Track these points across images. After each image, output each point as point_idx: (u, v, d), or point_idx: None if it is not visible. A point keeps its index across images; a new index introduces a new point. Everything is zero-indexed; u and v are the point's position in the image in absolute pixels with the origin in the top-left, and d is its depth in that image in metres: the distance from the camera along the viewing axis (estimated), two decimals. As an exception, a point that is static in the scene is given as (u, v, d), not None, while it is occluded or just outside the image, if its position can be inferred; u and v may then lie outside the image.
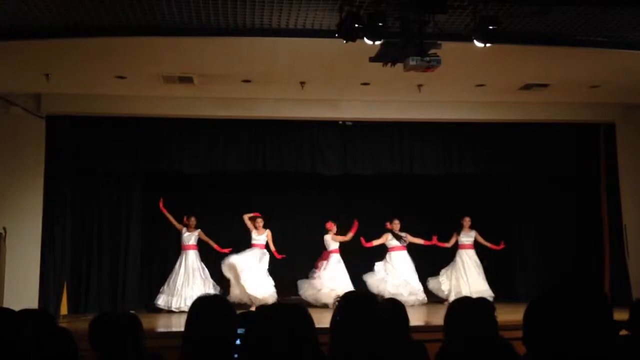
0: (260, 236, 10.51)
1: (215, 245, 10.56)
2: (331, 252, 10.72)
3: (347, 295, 2.55)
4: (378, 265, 10.84)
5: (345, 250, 10.87)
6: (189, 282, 10.18)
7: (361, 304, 2.45)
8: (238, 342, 2.86)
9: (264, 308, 2.25)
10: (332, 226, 10.78)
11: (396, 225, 10.92)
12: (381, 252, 11.04)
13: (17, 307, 2.88)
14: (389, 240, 10.92)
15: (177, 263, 10.42)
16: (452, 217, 11.22)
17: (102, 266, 10.63)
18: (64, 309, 9.96)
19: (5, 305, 8.55)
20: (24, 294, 9.11)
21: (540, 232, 11.25)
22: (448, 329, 2.85)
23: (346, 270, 10.62)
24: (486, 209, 11.58)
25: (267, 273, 10.33)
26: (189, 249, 10.50)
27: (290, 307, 2.23)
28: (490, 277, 10.88)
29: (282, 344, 2.05)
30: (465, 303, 3.02)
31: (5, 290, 8.99)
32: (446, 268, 11.04)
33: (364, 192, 11.87)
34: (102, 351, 2.99)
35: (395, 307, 3.47)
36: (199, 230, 10.60)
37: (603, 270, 10.88)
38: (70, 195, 10.27)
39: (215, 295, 2.75)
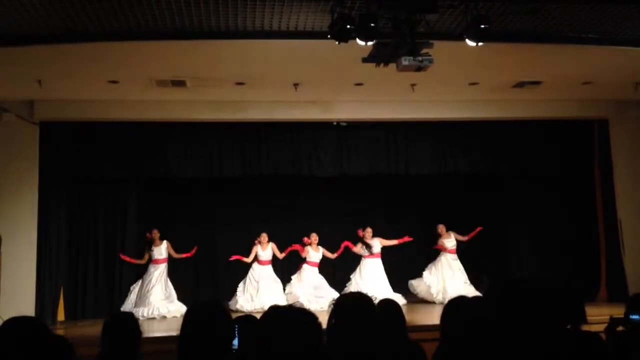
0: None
1: (184, 255, 10.57)
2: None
3: (342, 297, 2.55)
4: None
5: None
6: (157, 293, 10.24)
7: (356, 306, 2.45)
8: (235, 343, 2.87)
9: (278, 308, 2.21)
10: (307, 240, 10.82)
11: (368, 233, 10.85)
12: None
13: (13, 315, 2.86)
14: (360, 248, 10.89)
15: (148, 276, 10.37)
16: (448, 217, 11.24)
17: (99, 272, 10.63)
18: (61, 315, 9.95)
19: (2, 312, 8.53)
20: (20, 301, 9.10)
21: (536, 231, 11.26)
22: (444, 329, 2.85)
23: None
24: (481, 208, 11.59)
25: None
26: (160, 262, 10.47)
27: (303, 312, 2.19)
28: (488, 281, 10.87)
29: (288, 346, 2.03)
30: (461, 302, 3.02)
31: (1, 298, 8.97)
32: (430, 269, 10.99)
33: (360, 193, 11.86)
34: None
35: (391, 308, 3.47)
36: (166, 241, 10.58)
37: (599, 266, 10.91)
38: (65, 201, 10.25)
39: (210, 301, 2.75)
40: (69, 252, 10.35)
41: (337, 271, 11.28)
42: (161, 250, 10.51)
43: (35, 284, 9.57)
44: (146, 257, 10.51)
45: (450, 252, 10.99)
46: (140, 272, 10.62)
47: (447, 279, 10.75)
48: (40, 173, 9.83)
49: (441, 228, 11.11)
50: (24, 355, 2.27)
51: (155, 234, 10.53)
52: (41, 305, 9.51)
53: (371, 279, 10.64)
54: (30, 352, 2.28)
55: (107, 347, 3.23)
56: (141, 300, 10.22)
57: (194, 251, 10.60)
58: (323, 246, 10.85)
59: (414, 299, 10.87)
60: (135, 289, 10.43)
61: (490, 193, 11.80)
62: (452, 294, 10.11)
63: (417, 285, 10.99)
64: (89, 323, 9.56)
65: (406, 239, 10.83)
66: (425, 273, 10.94)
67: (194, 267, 11.23)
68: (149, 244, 10.51)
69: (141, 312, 9.96)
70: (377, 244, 10.85)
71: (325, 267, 10.92)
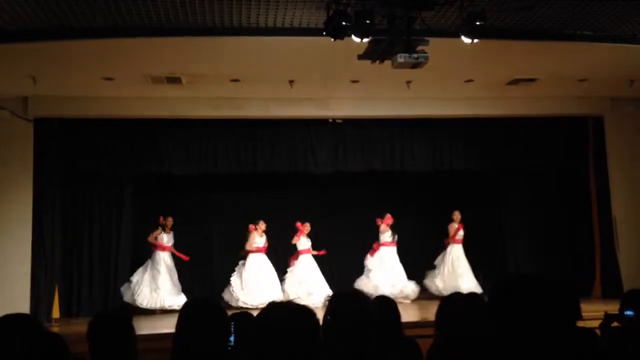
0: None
1: (178, 254, 10.58)
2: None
3: (338, 294, 2.55)
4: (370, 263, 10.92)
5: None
6: (170, 283, 10.25)
7: (352, 303, 2.45)
8: (231, 340, 2.87)
9: (276, 304, 2.21)
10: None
11: (388, 219, 10.93)
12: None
13: (7, 312, 2.85)
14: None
15: (158, 263, 10.34)
16: (443, 213, 11.25)
17: (94, 269, 10.59)
18: (56, 313, 9.90)
19: (-3, 310, 8.50)
20: (15, 299, 9.06)
21: (531, 228, 11.27)
22: (439, 325, 2.86)
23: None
24: (477, 205, 11.60)
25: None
26: (167, 250, 10.49)
27: (301, 309, 2.19)
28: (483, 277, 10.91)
29: (286, 343, 2.03)
30: (456, 299, 3.02)
31: (-4, 296, 8.94)
32: (439, 265, 11.04)
33: (356, 190, 11.86)
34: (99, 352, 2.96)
35: (386, 305, 3.48)
36: (173, 232, 10.61)
37: (594, 263, 10.94)
38: (59, 198, 10.21)
39: (206, 298, 2.75)
40: (63, 249, 10.31)
41: (333, 263, 11.29)
42: (170, 239, 10.52)
43: (30, 281, 9.53)
44: (155, 234, 10.41)
45: (457, 242, 11.02)
46: (135, 265, 10.58)
47: (453, 275, 10.76)
48: (34, 170, 9.78)
49: (457, 215, 11.12)
50: (18, 353, 2.26)
51: (170, 222, 10.52)
52: (36, 303, 9.47)
53: (386, 268, 10.72)
54: (25, 350, 2.27)
55: (95, 351, 2.99)
56: (155, 291, 10.12)
57: (187, 258, 10.61)
58: (320, 242, 10.96)
59: (425, 296, 10.89)
60: (144, 279, 10.25)
61: (485, 190, 11.80)
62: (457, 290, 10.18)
63: (430, 284, 11.03)
64: (84, 321, 9.53)
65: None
66: (436, 271, 11.03)
67: (191, 264, 11.19)
68: (162, 227, 10.46)
69: (160, 303, 9.98)
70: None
71: (323, 263, 10.94)
